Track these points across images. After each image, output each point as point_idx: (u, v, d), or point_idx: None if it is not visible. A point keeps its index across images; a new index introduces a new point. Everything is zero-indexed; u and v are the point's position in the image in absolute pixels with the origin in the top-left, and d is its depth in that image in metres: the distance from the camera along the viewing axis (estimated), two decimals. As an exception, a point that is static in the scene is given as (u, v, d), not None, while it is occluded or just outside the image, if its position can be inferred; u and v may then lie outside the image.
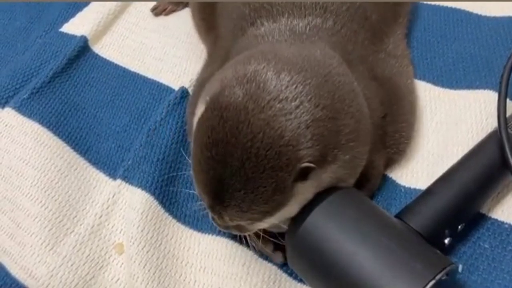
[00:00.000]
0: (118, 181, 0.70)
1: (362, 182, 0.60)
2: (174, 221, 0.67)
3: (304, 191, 0.50)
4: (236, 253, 0.61)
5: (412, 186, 0.64)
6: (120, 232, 0.66)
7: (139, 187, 0.67)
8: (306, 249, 0.51)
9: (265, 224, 0.52)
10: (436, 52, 0.79)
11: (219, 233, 0.64)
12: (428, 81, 0.75)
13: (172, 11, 0.98)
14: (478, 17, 0.83)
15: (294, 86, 0.49)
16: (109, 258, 0.64)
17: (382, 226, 0.50)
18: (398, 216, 0.54)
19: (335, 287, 0.49)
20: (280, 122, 0.47)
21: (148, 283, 0.59)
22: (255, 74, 0.50)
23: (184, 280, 0.61)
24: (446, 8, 0.86)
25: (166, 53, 0.90)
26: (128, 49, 0.93)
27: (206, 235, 0.65)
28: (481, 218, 0.60)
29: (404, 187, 0.65)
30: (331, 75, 0.52)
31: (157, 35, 0.94)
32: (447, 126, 0.69)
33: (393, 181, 0.66)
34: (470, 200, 0.55)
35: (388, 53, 0.70)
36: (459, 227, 0.54)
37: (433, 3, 0.87)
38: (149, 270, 0.60)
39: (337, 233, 0.50)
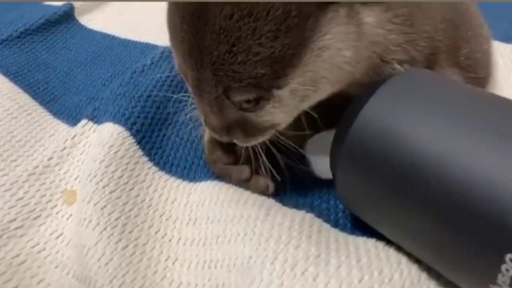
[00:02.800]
0: (83, 121, 0.51)
1: None
2: (155, 168, 0.46)
3: (334, 40, 0.31)
4: (242, 195, 0.40)
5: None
6: (75, 180, 0.45)
7: (110, 122, 0.48)
8: (369, 145, 0.31)
9: (278, 110, 0.33)
10: (497, 18, 0.65)
11: (218, 177, 0.43)
12: (496, 39, 0.60)
13: None
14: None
15: None
16: (51, 208, 0.43)
17: (487, 99, 0.31)
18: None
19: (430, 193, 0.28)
20: None
21: (105, 229, 0.37)
22: None
23: (163, 237, 0.39)
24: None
25: (161, 28, 0.75)
26: (120, 23, 0.78)
27: (199, 183, 0.44)
28: None
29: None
30: None
31: (154, 14, 0.79)
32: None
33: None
34: None
35: None
36: None
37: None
38: (109, 214, 0.38)
39: (421, 111, 0.30)
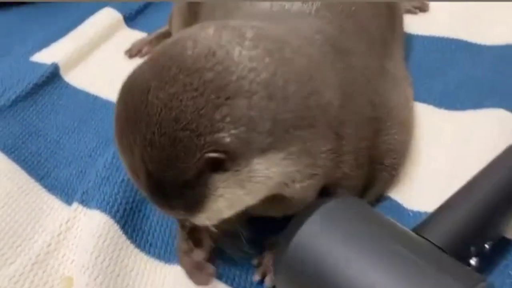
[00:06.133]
0: (75, 205, 0.59)
1: None
2: (136, 250, 0.55)
3: (230, 185, 0.41)
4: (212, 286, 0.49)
5: (422, 210, 0.55)
6: (72, 263, 0.54)
7: (97, 209, 0.56)
8: (300, 268, 0.40)
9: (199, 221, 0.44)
10: (436, 76, 0.73)
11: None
12: (430, 103, 0.69)
13: (149, 52, 0.88)
14: (478, 46, 0.78)
15: (212, 54, 0.40)
16: (54, 293, 0.52)
17: (399, 237, 0.40)
18: (414, 230, 0.44)
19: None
20: (181, 100, 0.38)
21: (97, 320, 0.47)
22: (175, 45, 0.42)
23: (144, 320, 0.49)
24: (443, 38, 0.81)
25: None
26: (102, 79, 0.85)
27: (175, 266, 0.53)
28: (509, 244, 0.49)
29: (412, 211, 0.55)
30: (281, 49, 0.43)
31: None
32: (455, 146, 0.61)
33: (400, 205, 0.56)
34: (495, 212, 0.46)
35: (386, 69, 0.63)
36: (487, 245, 0.44)
37: (428, 34, 0.83)
38: (100, 305, 0.48)
39: (342, 244, 0.39)
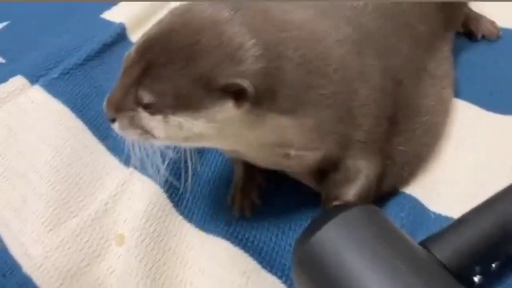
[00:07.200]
0: (131, 169, 0.67)
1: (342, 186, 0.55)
2: (180, 217, 0.63)
3: (236, 119, 0.47)
4: (239, 260, 0.56)
5: (444, 214, 0.58)
6: (124, 222, 0.63)
7: (150, 180, 0.64)
8: (311, 265, 0.46)
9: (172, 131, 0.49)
10: (487, 73, 0.73)
11: (224, 235, 0.59)
12: (474, 103, 0.69)
13: None
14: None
15: (283, 22, 0.49)
16: (108, 247, 0.61)
17: (401, 251, 0.44)
18: (422, 243, 0.48)
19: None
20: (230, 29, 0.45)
21: (142, 278, 0.55)
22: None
23: (181, 282, 0.57)
24: (501, 28, 0.79)
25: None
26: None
27: (211, 236, 0.60)
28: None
29: (434, 213, 0.58)
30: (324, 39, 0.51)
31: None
32: (491, 152, 0.62)
33: (422, 205, 0.59)
34: (509, 237, 0.48)
35: (426, 70, 0.63)
36: (493, 265, 0.47)
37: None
38: (145, 265, 0.56)
39: (348, 252, 0.44)
